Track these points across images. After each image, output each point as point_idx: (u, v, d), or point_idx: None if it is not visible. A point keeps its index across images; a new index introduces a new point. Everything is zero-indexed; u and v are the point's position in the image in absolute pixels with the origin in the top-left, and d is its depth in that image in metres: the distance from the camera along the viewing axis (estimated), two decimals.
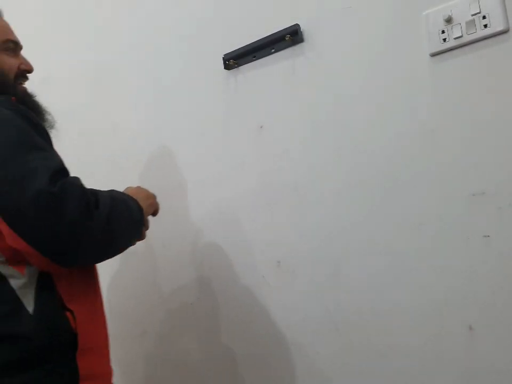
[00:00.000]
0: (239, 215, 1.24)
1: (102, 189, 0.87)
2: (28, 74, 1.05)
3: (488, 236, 0.92)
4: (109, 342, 0.96)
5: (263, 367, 1.20)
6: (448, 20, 0.95)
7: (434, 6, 0.96)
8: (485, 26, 0.92)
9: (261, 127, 1.20)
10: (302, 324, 1.14)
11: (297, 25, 1.15)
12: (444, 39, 0.96)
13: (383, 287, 1.03)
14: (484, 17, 0.92)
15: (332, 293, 1.09)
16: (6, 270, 0.83)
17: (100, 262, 0.89)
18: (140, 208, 0.94)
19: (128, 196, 0.94)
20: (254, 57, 1.22)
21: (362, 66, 1.06)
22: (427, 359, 0.98)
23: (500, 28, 0.91)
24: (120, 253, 0.90)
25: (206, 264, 1.31)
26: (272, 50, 1.19)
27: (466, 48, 0.94)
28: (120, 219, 0.85)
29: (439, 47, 0.97)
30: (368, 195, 1.05)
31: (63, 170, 0.80)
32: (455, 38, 0.95)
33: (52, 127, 1.02)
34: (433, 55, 0.98)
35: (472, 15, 0.93)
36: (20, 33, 1.04)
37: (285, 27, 1.16)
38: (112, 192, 0.90)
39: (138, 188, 1.04)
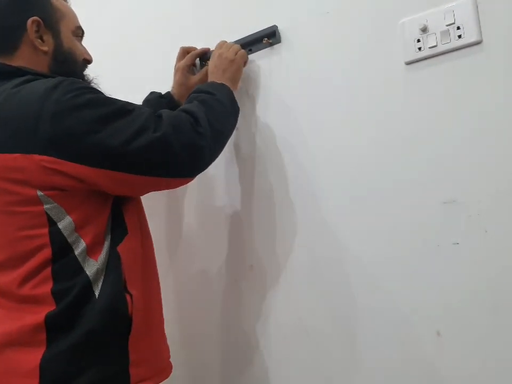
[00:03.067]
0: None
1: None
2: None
3: (458, 243, 0.94)
4: (163, 329, 0.99)
5: (232, 372, 1.21)
6: (424, 29, 0.95)
7: (410, 14, 0.97)
8: (459, 37, 0.93)
9: (237, 128, 1.19)
10: (272, 329, 1.15)
11: (275, 26, 1.15)
12: (419, 48, 0.97)
13: (353, 293, 1.04)
14: (458, 28, 0.93)
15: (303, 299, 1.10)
16: (85, 261, 0.86)
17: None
18: (229, 92, 1.05)
19: (214, 87, 1.03)
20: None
21: (337, 72, 1.06)
22: (395, 365, 0.99)
23: (473, 39, 0.92)
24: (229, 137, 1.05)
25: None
26: (249, 51, 1.19)
27: (440, 57, 0.95)
28: (219, 118, 0.98)
29: (414, 55, 0.97)
30: (338, 201, 1.06)
31: (156, 115, 0.91)
32: (430, 47, 0.96)
33: None
34: (408, 63, 0.98)
35: (447, 25, 0.94)
36: None
37: (263, 28, 1.15)
38: (200, 97, 0.99)
39: (218, 59, 1.10)
